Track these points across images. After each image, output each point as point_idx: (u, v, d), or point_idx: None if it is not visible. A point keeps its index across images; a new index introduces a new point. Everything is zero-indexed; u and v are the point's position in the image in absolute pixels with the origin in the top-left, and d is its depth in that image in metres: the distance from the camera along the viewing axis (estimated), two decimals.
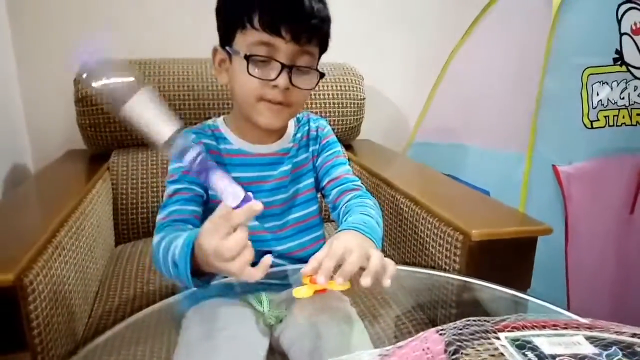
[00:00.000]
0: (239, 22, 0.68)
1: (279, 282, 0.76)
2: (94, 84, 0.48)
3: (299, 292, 0.57)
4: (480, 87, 1.28)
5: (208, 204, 0.75)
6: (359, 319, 0.73)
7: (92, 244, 0.92)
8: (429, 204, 0.87)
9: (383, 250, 1.05)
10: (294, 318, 0.72)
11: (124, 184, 1.15)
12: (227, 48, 0.71)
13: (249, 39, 0.68)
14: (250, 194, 0.53)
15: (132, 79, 0.48)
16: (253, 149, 0.77)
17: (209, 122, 0.80)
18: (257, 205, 0.53)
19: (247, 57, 0.67)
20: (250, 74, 0.67)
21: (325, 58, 1.35)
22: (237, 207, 0.52)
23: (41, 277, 0.62)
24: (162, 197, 0.74)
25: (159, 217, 0.71)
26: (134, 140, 1.19)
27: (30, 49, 1.29)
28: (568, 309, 1.06)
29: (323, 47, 0.74)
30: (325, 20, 0.72)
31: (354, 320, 0.73)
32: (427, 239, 0.85)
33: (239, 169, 0.77)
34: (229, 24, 0.70)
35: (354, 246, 0.58)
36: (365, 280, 0.55)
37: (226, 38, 0.71)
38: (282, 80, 0.67)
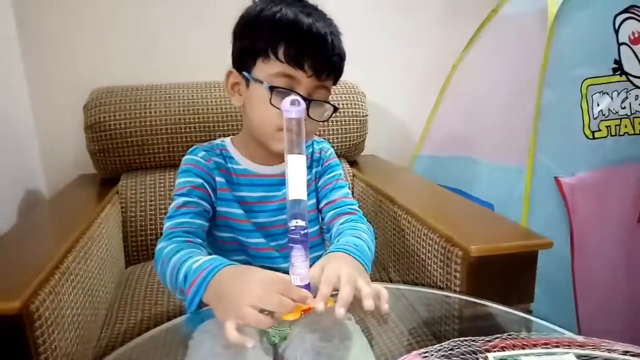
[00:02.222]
0: (262, 51, 0.69)
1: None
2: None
3: (288, 315, 0.57)
4: (481, 100, 1.29)
5: (215, 219, 0.77)
6: (363, 336, 0.73)
7: (100, 267, 0.94)
8: (429, 220, 0.87)
9: (385, 268, 1.06)
10: (297, 336, 0.72)
11: (132, 206, 1.18)
12: (245, 74, 0.72)
13: (270, 70, 0.69)
14: (310, 287, 0.56)
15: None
16: (259, 170, 0.79)
17: (217, 141, 0.82)
18: (311, 301, 0.55)
19: (272, 88, 0.68)
20: (272, 105, 0.68)
21: None
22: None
23: (48, 303, 0.64)
24: None
25: (167, 225, 0.72)
26: (143, 164, 1.22)
27: (41, 76, 1.33)
28: (577, 324, 1.05)
29: (335, 82, 0.76)
30: (344, 58, 0.75)
31: (358, 337, 0.73)
32: (429, 255, 0.85)
33: (246, 188, 0.79)
34: (250, 51, 0.71)
35: (344, 274, 0.59)
36: (369, 303, 0.56)
37: (244, 63, 0.72)
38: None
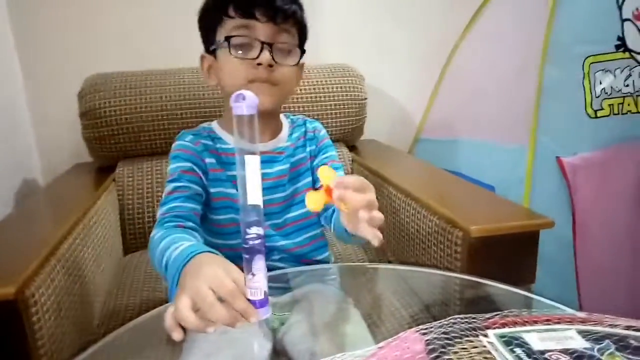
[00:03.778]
0: (217, 18, 0.72)
1: (281, 285, 0.77)
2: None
3: (311, 200, 0.57)
4: (482, 82, 1.27)
5: (210, 204, 0.76)
6: (362, 319, 0.73)
7: (97, 254, 0.93)
8: (429, 202, 0.86)
9: (385, 251, 1.05)
10: (296, 320, 0.72)
11: (129, 194, 1.17)
12: (211, 47, 0.75)
13: (227, 28, 0.71)
14: (268, 300, 0.49)
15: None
16: None
17: (204, 125, 0.82)
18: (253, 317, 0.48)
19: (228, 39, 0.70)
20: (233, 55, 0.70)
21: (325, 59, 1.38)
22: (251, 302, 0.48)
23: (43, 289, 0.64)
24: None
25: (159, 212, 0.72)
26: (139, 151, 1.21)
27: (36, 64, 1.32)
28: (579, 303, 1.05)
29: (300, 27, 0.76)
30: (296, 3, 0.75)
31: (357, 320, 0.73)
32: (429, 237, 0.84)
33: (236, 167, 0.78)
34: (209, 26, 0.74)
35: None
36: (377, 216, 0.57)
37: (209, 41, 0.75)
38: (265, 56, 0.69)
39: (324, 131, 0.87)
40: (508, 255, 0.75)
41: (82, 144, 1.21)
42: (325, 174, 0.57)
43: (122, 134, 1.17)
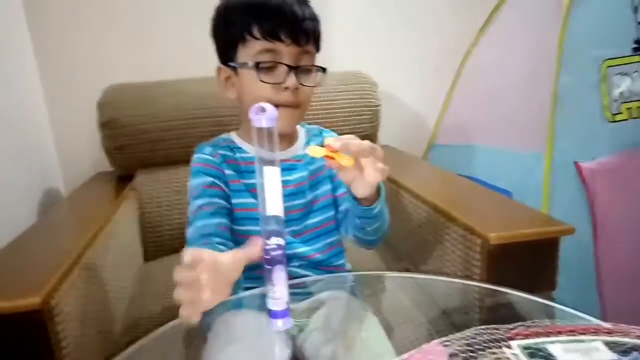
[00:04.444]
0: (239, 36, 0.72)
1: (300, 292, 0.78)
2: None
3: (313, 150, 0.59)
4: (496, 86, 1.26)
5: (233, 213, 0.77)
6: (381, 327, 0.73)
7: (119, 263, 0.95)
8: (447, 208, 0.86)
9: (403, 259, 1.04)
10: (315, 327, 0.72)
11: (148, 202, 1.19)
12: (232, 63, 0.75)
13: (252, 50, 0.72)
14: (290, 311, 0.50)
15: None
16: None
17: (223, 135, 0.84)
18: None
19: (257, 65, 0.71)
20: (262, 81, 0.70)
21: (338, 66, 1.39)
22: (273, 313, 0.48)
23: (68, 299, 0.65)
24: (187, 212, 0.75)
25: (187, 233, 0.73)
26: (157, 160, 1.23)
27: (55, 75, 1.34)
28: (601, 312, 1.03)
29: (318, 46, 0.77)
30: (317, 21, 0.76)
31: (376, 328, 0.73)
32: (447, 244, 0.84)
33: (256, 176, 0.79)
34: (229, 41, 0.74)
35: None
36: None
37: (228, 56, 0.75)
38: (291, 80, 0.71)
39: None
40: (528, 263, 0.75)
41: (102, 152, 1.23)
42: (315, 151, 0.59)
43: (140, 143, 1.19)
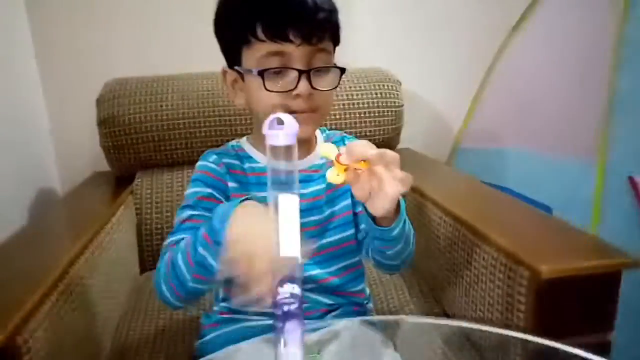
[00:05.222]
0: (242, 37, 0.63)
1: (311, 321, 0.69)
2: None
3: (332, 176, 0.54)
4: (535, 86, 1.14)
5: None
6: None
7: (111, 276, 0.86)
8: (482, 228, 0.74)
9: (428, 283, 0.92)
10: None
11: (148, 207, 1.09)
12: (237, 68, 0.66)
13: (257, 53, 0.62)
14: None
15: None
16: None
17: (233, 142, 0.76)
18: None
19: (261, 73, 0.62)
20: (268, 90, 0.62)
21: (359, 62, 1.28)
22: None
23: (41, 332, 0.55)
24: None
25: (167, 241, 0.65)
26: (158, 161, 1.13)
27: (55, 69, 1.27)
28: None
29: (336, 40, 0.67)
30: (333, 11, 0.65)
31: None
32: (483, 271, 0.73)
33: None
34: (232, 43, 0.66)
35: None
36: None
37: (233, 57, 0.67)
38: (303, 87, 0.61)
39: None
40: (584, 300, 0.63)
41: (101, 151, 1.14)
42: (326, 150, 0.53)
43: (141, 143, 1.10)
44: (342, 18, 0.67)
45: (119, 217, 0.96)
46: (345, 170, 0.53)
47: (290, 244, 0.38)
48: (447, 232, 0.84)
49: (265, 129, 0.38)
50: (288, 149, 0.37)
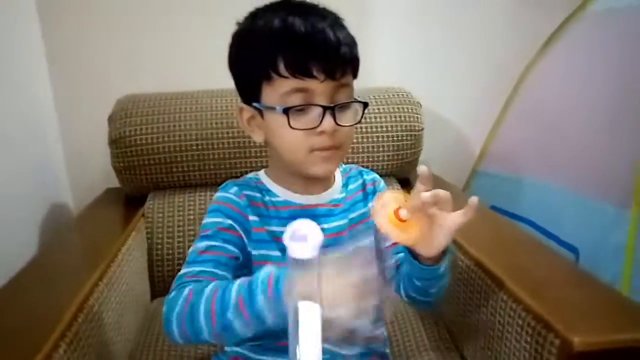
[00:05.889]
0: (263, 73, 0.61)
1: (331, 349, 0.63)
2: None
3: (398, 235, 0.53)
4: (564, 112, 1.08)
5: (250, 266, 0.67)
6: None
7: (121, 309, 0.83)
8: (508, 282, 0.70)
9: (450, 330, 0.88)
10: None
11: (159, 231, 1.07)
12: (256, 104, 0.65)
13: (279, 90, 0.61)
14: None
15: None
16: (302, 200, 0.70)
17: (251, 174, 0.75)
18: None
19: (286, 111, 0.60)
20: (293, 128, 0.61)
21: (377, 82, 1.23)
22: None
23: None
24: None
25: (183, 272, 0.63)
26: (171, 183, 1.11)
27: (67, 85, 1.26)
28: None
29: (356, 74, 0.67)
30: (354, 44, 0.65)
31: None
32: (509, 328, 0.69)
33: (289, 222, 0.67)
34: (251, 78, 0.64)
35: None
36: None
37: (251, 93, 0.65)
38: (328, 123, 0.61)
39: (382, 183, 0.79)
40: None
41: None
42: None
43: (153, 164, 1.07)
44: (360, 34, 0.66)
45: (130, 245, 0.94)
46: (404, 224, 0.52)
47: (311, 354, 0.34)
48: (470, 278, 0.80)
49: (285, 239, 0.34)
50: (310, 261, 0.34)
